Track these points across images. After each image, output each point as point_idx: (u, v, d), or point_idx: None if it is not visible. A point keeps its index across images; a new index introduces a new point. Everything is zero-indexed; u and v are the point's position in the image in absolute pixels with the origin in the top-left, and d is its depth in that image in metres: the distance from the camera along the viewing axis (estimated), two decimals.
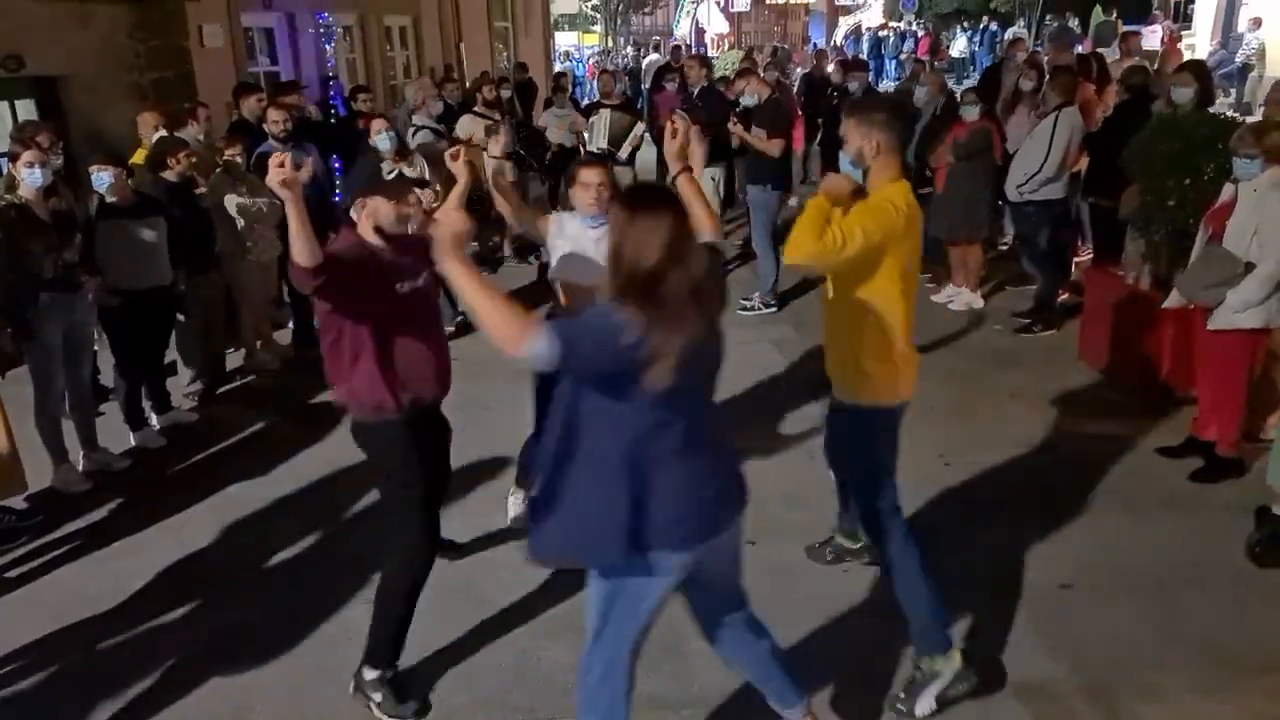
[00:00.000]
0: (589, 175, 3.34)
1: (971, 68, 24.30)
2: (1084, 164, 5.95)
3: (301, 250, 2.47)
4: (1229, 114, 4.90)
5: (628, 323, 1.90)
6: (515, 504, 3.79)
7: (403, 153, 5.95)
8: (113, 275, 4.40)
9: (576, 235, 3.36)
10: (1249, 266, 3.71)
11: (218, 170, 5.36)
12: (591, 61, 25.87)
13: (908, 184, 2.72)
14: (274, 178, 2.42)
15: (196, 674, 3.01)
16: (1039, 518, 3.73)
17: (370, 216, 2.73)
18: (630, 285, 1.94)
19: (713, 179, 7.24)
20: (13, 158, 3.98)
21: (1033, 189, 5.67)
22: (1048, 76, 6.31)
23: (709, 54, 24.11)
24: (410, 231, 2.79)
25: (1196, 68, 5.40)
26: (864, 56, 24.08)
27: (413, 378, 2.75)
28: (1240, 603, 3.18)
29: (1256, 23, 14.89)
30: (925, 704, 2.68)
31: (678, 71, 9.68)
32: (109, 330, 4.73)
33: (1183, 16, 19.82)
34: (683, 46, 22.31)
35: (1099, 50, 10.10)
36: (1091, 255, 6.45)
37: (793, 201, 7.10)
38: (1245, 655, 2.92)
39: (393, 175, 5.25)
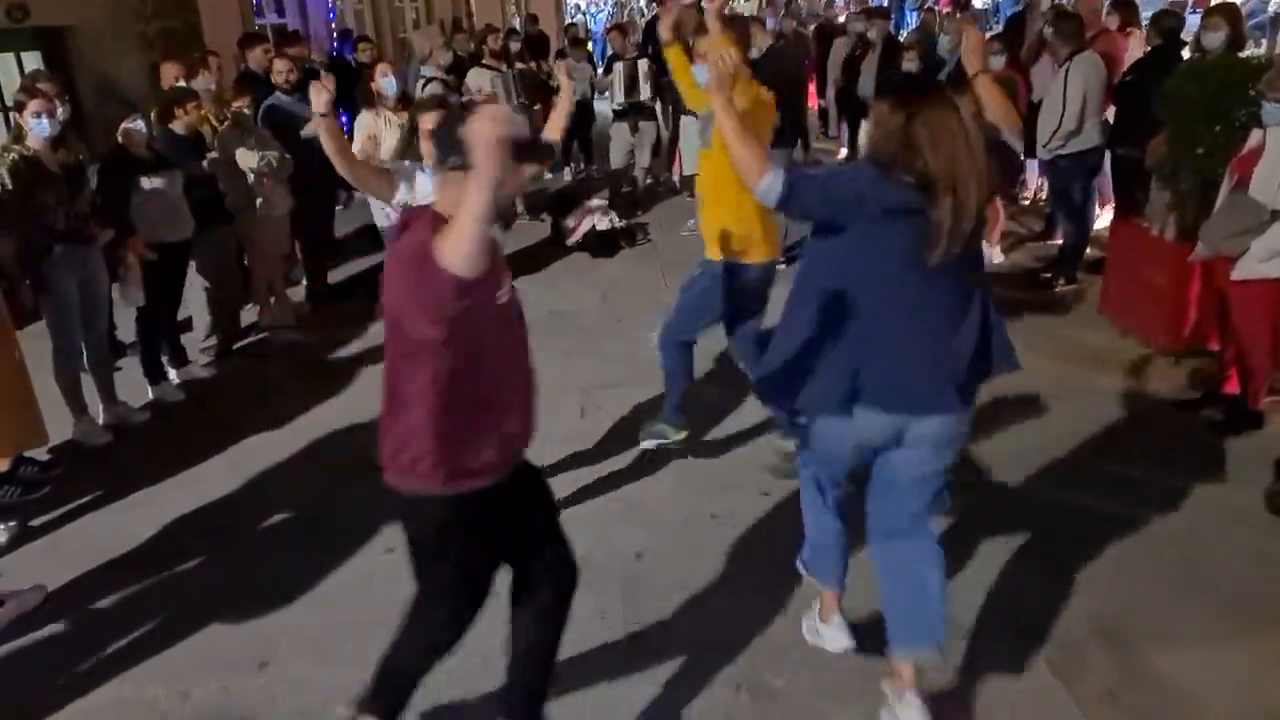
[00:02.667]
0: (428, 121, 3.13)
1: (994, 18, 23.67)
2: (1109, 113, 5.79)
3: (473, 250, 1.61)
4: (1261, 57, 4.73)
5: (868, 175, 2.16)
6: None
7: (405, 100, 5.83)
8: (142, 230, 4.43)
9: (426, 189, 3.18)
10: (1275, 215, 3.62)
11: (226, 123, 5.31)
12: (607, 21, 25.42)
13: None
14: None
15: (218, 621, 3.06)
16: (1057, 468, 3.72)
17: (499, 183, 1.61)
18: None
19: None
20: (19, 107, 3.94)
21: (1059, 144, 5.54)
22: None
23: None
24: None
25: (1228, 10, 5.21)
26: (884, 3, 23.50)
27: (511, 427, 2.08)
28: (1257, 552, 3.17)
29: None
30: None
31: None
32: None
33: None
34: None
35: None
36: (1112, 209, 6.33)
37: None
38: (1261, 603, 2.92)
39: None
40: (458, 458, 2.00)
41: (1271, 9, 14.68)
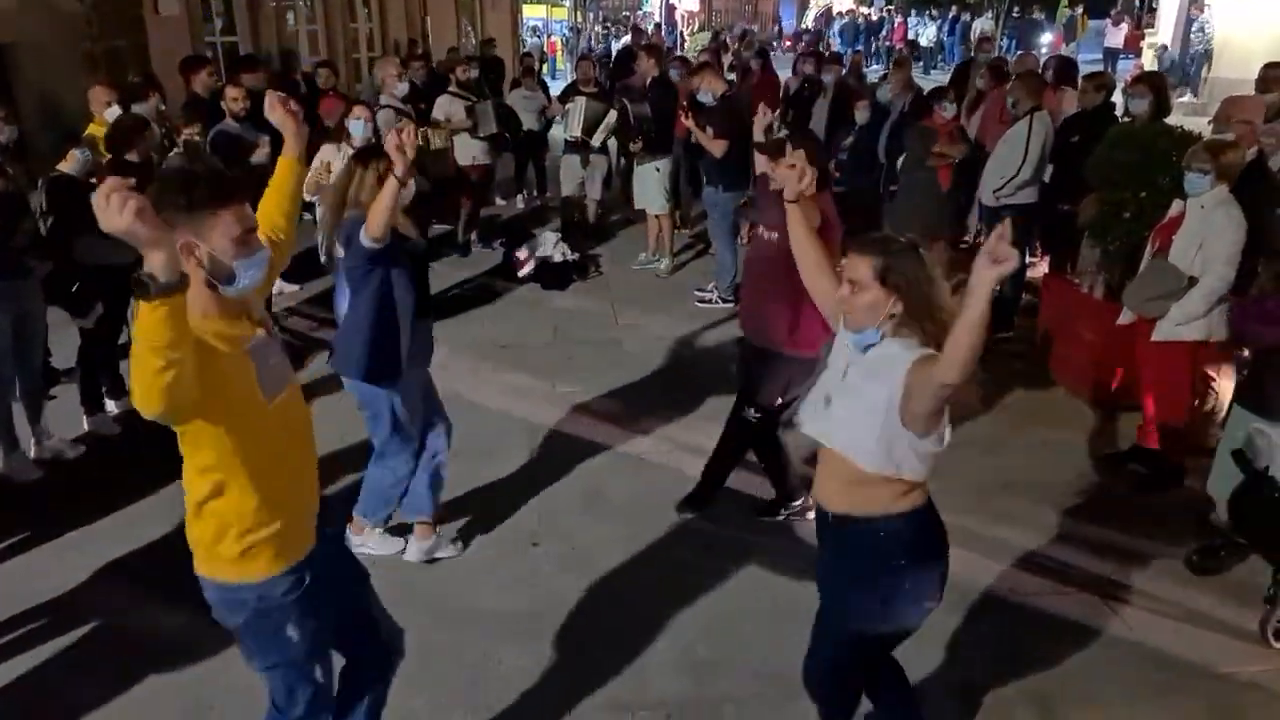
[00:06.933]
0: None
1: (940, 57, 24.49)
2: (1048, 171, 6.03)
3: None
4: (1184, 128, 4.98)
5: None
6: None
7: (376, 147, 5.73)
8: (77, 252, 4.30)
9: None
10: (1192, 281, 3.84)
11: (175, 151, 5.22)
12: (553, 38, 25.33)
13: None
14: None
15: (153, 670, 2.99)
16: (981, 522, 3.80)
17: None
18: None
19: (657, 170, 7.21)
20: None
21: (1009, 193, 5.75)
22: (1011, 81, 6.39)
23: (679, 31, 23.99)
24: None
25: (1153, 79, 5.50)
26: (836, 45, 24.14)
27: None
28: (1181, 611, 3.31)
29: (1200, 8, 15.61)
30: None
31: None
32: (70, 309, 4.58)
33: (1146, 12, 20.24)
34: (648, 28, 21.88)
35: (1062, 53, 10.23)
36: (1046, 261, 6.59)
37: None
38: (1185, 663, 3.05)
39: None
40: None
41: (1196, 48, 15.62)
